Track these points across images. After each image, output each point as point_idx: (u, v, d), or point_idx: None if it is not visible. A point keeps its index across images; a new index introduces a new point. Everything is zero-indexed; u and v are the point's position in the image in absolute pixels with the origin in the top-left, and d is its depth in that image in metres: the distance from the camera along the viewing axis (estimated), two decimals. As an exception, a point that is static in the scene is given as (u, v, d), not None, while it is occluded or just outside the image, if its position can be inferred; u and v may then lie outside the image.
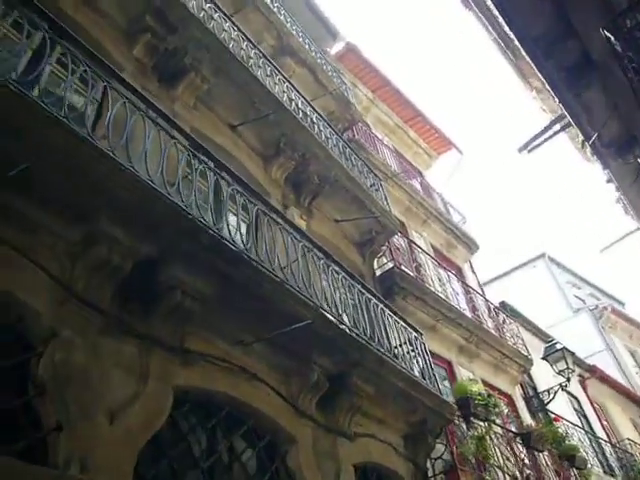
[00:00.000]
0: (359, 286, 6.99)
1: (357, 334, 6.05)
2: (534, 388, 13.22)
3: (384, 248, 9.82)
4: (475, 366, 10.95)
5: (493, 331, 12.22)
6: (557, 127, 7.78)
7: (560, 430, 9.73)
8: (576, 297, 25.82)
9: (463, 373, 10.44)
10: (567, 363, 11.95)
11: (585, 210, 63.73)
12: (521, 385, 12.59)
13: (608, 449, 14.79)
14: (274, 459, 5.09)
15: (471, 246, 14.94)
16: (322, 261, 6.54)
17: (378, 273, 9.57)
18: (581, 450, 11.96)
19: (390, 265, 9.63)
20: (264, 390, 5.15)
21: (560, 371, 12.06)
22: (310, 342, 5.45)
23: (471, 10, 6.76)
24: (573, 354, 12.77)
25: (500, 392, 11.48)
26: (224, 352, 4.93)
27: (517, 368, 12.11)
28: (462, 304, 11.81)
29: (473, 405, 7.66)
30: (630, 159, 6.96)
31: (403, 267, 10.66)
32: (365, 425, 6.42)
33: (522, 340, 12.78)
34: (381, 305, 7.26)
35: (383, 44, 54.26)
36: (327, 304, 5.97)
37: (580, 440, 12.61)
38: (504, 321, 13.04)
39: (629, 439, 16.08)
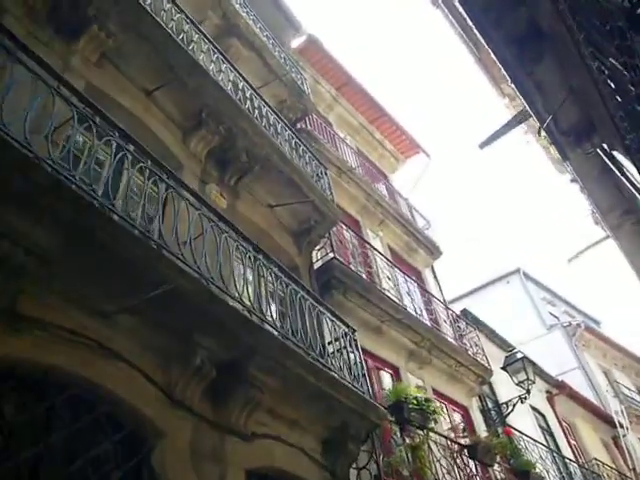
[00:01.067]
0: (275, 269, 6.19)
1: (259, 317, 5.24)
2: (496, 402, 12.40)
3: (325, 240, 9.02)
4: (426, 373, 10.13)
5: (451, 339, 11.43)
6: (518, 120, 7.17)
7: (512, 443, 8.88)
8: (551, 314, 25.15)
9: (412, 380, 9.62)
10: (527, 373, 11.16)
11: (557, 217, 63.28)
12: (479, 397, 11.77)
13: (573, 469, 13.95)
14: (135, 456, 4.22)
15: (433, 251, 14.20)
16: (237, 243, 5.75)
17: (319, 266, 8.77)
18: (539, 467, 11.13)
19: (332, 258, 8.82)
20: (128, 372, 4.30)
21: (520, 382, 11.26)
22: (192, 319, 4.63)
23: (438, 7, 6.13)
24: (534, 364, 12.00)
25: (454, 403, 10.67)
26: (78, 323, 4.09)
27: (474, 378, 11.30)
28: (421, 310, 11.00)
29: (407, 410, 6.82)
30: (588, 148, 6.29)
31: (352, 266, 9.90)
32: (271, 426, 5.58)
33: (482, 350, 11.98)
34: (302, 292, 6.45)
35: (349, 41, 53.43)
36: (239, 291, 5.22)
37: (542, 458, 11.78)
38: (464, 329, 12.25)
39: (596, 459, 15.27)
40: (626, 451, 17.98)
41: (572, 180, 12.36)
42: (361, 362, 6.95)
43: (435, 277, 14.17)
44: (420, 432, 7.31)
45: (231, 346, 4.94)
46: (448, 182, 60.74)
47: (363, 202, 12.27)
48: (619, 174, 6.09)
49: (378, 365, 9.03)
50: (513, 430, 11.66)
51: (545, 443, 13.84)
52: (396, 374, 9.36)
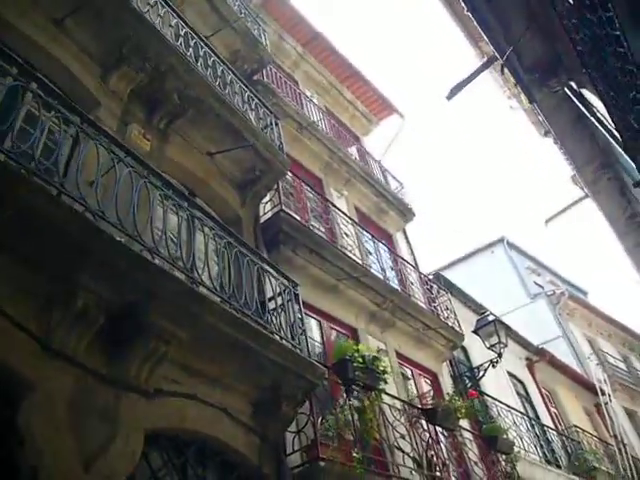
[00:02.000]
0: (197, 211, 5.53)
1: (162, 256, 4.60)
2: (470, 368, 11.87)
3: (275, 193, 8.34)
4: (389, 336, 9.55)
5: (420, 302, 10.84)
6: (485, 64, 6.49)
7: (475, 407, 8.32)
8: (535, 284, 24.67)
9: (372, 343, 9.02)
10: (499, 336, 10.60)
11: (539, 180, 62.75)
12: (450, 362, 11.22)
13: (552, 436, 13.51)
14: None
15: (405, 213, 13.56)
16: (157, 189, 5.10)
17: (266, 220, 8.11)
18: (512, 434, 10.63)
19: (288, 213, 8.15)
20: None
21: (491, 346, 10.71)
22: (74, 258, 3.98)
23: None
24: (507, 327, 11.46)
25: (421, 368, 10.11)
26: None
27: (444, 343, 10.73)
28: (384, 271, 10.37)
29: (351, 369, 6.22)
30: (555, 86, 5.62)
31: (311, 224, 9.26)
32: (185, 383, 4.95)
33: (454, 313, 11.40)
34: (235, 244, 5.81)
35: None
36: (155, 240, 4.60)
37: (515, 424, 11.28)
38: (436, 294, 11.66)
39: (576, 426, 14.83)
40: (608, 419, 17.56)
41: (546, 133, 11.68)
42: (301, 318, 6.34)
43: (407, 241, 13.55)
44: (371, 394, 6.70)
45: (125, 290, 4.29)
46: (424, 145, 59.83)
47: (326, 160, 11.58)
48: (589, 115, 5.45)
49: (334, 326, 8.43)
50: (487, 396, 11.17)
51: (523, 410, 13.38)
52: (354, 336, 8.76)
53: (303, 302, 7.85)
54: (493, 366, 10.72)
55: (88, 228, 4.02)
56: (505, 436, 9.42)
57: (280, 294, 6.47)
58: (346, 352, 6.37)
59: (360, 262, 9.14)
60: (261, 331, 5.31)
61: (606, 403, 17.61)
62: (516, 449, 10.67)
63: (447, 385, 10.52)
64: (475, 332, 10.90)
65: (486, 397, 11.47)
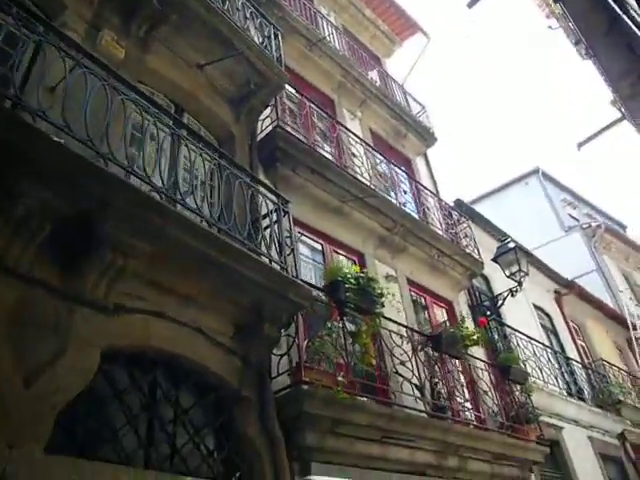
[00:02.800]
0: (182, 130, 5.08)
1: (120, 164, 4.20)
2: (490, 297, 11.40)
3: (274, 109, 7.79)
4: (400, 263, 9.10)
5: (438, 229, 10.30)
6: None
7: (485, 335, 7.87)
8: (571, 217, 23.69)
9: (380, 269, 8.62)
10: (519, 264, 10.04)
11: (574, 104, 59.67)
12: (468, 291, 10.76)
13: (577, 370, 13.08)
14: None
15: (426, 137, 12.83)
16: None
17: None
18: (529, 365, 10.25)
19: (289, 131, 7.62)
20: None
21: (511, 274, 10.17)
22: (14, 162, 3.61)
23: None
24: (528, 255, 10.85)
25: (436, 296, 9.69)
26: None
27: (462, 271, 10.24)
28: (395, 194, 9.80)
29: (342, 291, 5.82)
30: None
31: (319, 145, 8.73)
32: (153, 300, 4.63)
33: (474, 241, 10.84)
34: (215, 157, 5.36)
35: None
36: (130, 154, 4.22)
37: (535, 354, 10.87)
38: (457, 220, 11.08)
39: (602, 359, 14.33)
40: (639, 354, 17.00)
41: (577, 42, 10.67)
42: (291, 237, 5.93)
43: (428, 166, 12.88)
44: (371, 318, 6.33)
45: (76, 198, 3.92)
46: (451, 67, 57.17)
47: (339, 79, 10.88)
48: (625, 17, 4.71)
49: (337, 250, 8.02)
50: (506, 326, 10.74)
51: (547, 343, 12.94)
52: (360, 261, 8.34)
53: (303, 224, 7.52)
54: (512, 295, 10.22)
55: (25, 130, 3.62)
56: (520, 366, 9.01)
57: (269, 213, 6.05)
58: (338, 274, 5.96)
59: (368, 183, 8.58)
60: (235, 246, 4.92)
61: (638, 338, 17.02)
62: (536, 380, 10.34)
63: (464, 315, 10.09)
64: (494, 260, 10.35)
65: (506, 328, 11.05)
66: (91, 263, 4.13)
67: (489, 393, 8.18)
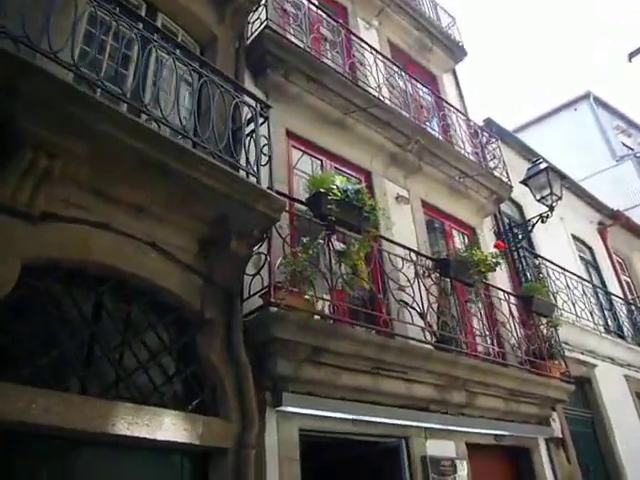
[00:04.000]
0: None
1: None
2: (519, 224, 10.44)
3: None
4: (414, 183, 8.26)
5: (461, 149, 9.34)
6: None
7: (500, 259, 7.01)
8: (624, 145, 21.93)
9: (390, 189, 7.83)
10: (551, 187, 9.02)
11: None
12: (495, 217, 9.86)
13: (617, 305, 12.10)
14: None
15: (454, 50, 11.63)
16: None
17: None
18: (560, 298, 9.40)
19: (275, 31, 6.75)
20: None
21: (542, 198, 9.19)
22: None
23: None
24: (563, 177, 9.77)
25: (456, 221, 8.85)
26: None
27: (487, 195, 9.32)
28: (408, 107, 8.77)
29: (324, 204, 5.08)
30: None
31: (327, 56, 7.84)
32: (97, 210, 4.05)
33: (503, 163, 9.84)
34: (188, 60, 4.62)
35: None
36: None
37: (569, 287, 9.98)
38: (485, 142, 10.06)
39: (648, 295, 13.27)
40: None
41: None
42: (269, 145, 5.20)
43: (457, 84, 11.74)
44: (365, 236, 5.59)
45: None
46: None
47: (354, -15, 9.80)
48: None
49: (340, 167, 7.24)
50: (535, 255, 9.85)
51: (586, 277, 11.97)
52: (367, 180, 7.56)
53: (299, 137, 6.79)
54: (543, 221, 9.26)
55: None
56: (548, 298, 8.18)
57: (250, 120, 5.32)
58: (322, 185, 5.21)
59: (376, 94, 7.67)
60: (188, 150, 4.24)
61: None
62: (568, 315, 9.51)
63: (488, 242, 9.25)
64: (524, 182, 9.36)
65: (538, 258, 10.16)
66: (9, 165, 3.53)
67: (507, 325, 7.42)
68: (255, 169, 4.96)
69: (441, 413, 6.20)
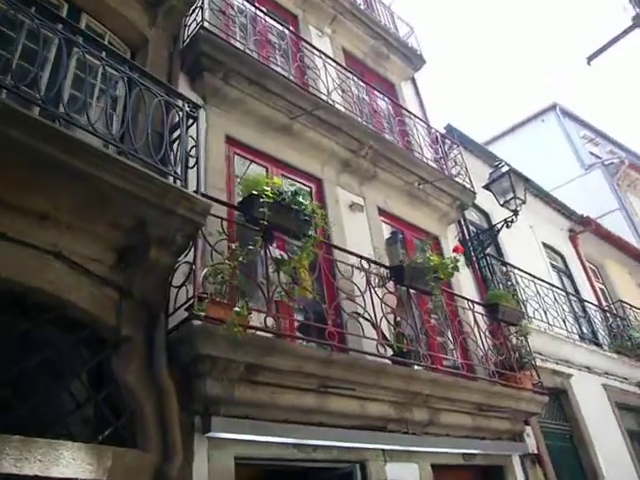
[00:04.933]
0: None
1: None
2: (486, 231, 10.09)
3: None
4: (370, 191, 7.87)
5: (431, 162, 9.03)
6: None
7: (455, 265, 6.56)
8: (592, 154, 21.91)
9: (344, 197, 7.43)
10: (514, 190, 8.70)
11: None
12: (459, 224, 9.50)
13: (591, 312, 11.76)
14: None
15: (412, 59, 11.39)
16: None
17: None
18: (527, 304, 9.03)
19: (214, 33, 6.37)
20: None
21: (505, 202, 8.85)
22: None
23: None
24: (527, 180, 9.48)
25: (418, 230, 8.45)
26: None
27: (449, 202, 8.96)
28: (361, 112, 8.40)
29: (257, 206, 4.64)
30: None
31: (278, 65, 7.49)
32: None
33: (465, 169, 9.51)
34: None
35: None
36: None
37: (539, 295, 9.61)
38: (446, 148, 9.74)
39: (622, 301, 12.97)
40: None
41: None
42: (197, 146, 4.77)
43: (417, 93, 11.47)
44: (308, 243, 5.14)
45: None
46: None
47: (305, -8, 9.52)
48: None
49: (287, 174, 6.82)
50: (501, 262, 9.49)
51: (559, 284, 11.66)
52: (318, 188, 7.16)
53: (241, 143, 6.39)
54: (507, 226, 8.92)
55: None
56: (515, 305, 7.78)
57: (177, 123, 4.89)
58: (255, 187, 4.77)
59: (324, 97, 7.31)
60: (93, 148, 3.78)
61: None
62: (539, 323, 9.14)
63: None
64: (486, 187, 9.03)
65: (507, 266, 9.81)
66: None
67: (473, 335, 7.00)
68: (180, 172, 4.50)
69: (402, 433, 5.71)
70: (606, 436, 9.48)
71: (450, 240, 8.98)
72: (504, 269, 9.67)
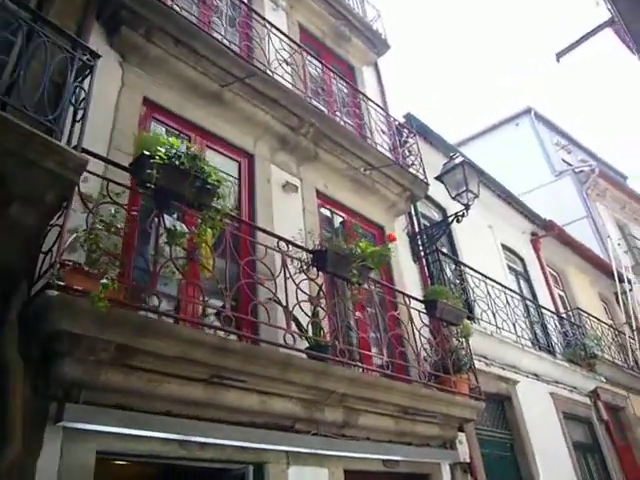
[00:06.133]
0: None
1: None
2: (434, 225, 9.59)
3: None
4: (309, 172, 7.33)
5: (385, 150, 8.53)
6: None
7: (388, 253, 6.02)
8: (564, 161, 21.66)
9: (278, 176, 6.87)
10: (467, 183, 8.22)
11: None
12: (410, 217, 9.01)
13: (549, 321, 11.38)
14: None
15: (376, 43, 10.87)
16: None
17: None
18: (482, 306, 8.60)
19: None
20: None
21: (457, 195, 8.37)
22: None
23: None
24: (482, 173, 9.02)
25: (360, 218, 7.92)
26: None
27: (399, 191, 8.45)
28: (305, 87, 7.79)
29: (147, 167, 4.05)
30: None
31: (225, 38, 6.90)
32: None
33: (420, 159, 9.01)
34: None
35: None
36: None
37: (490, 296, 9.16)
38: (400, 138, 9.24)
39: (579, 309, 12.62)
40: (631, 308, 15.29)
41: None
42: (87, 98, 4.17)
43: (380, 80, 10.95)
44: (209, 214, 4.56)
45: None
46: None
47: (258, -41, 8.92)
48: None
49: (213, 145, 6.26)
50: (450, 257, 9.03)
51: (516, 288, 11.27)
52: (249, 163, 6.60)
53: (162, 108, 5.81)
54: (458, 221, 8.43)
55: None
56: (457, 304, 7.29)
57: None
58: (149, 147, 4.18)
59: (263, 67, 6.74)
60: None
61: (630, 290, 15.30)
62: (486, 325, 8.70)
63: (399, 243, 8.37)
64: (438, 178, 8.54)
65: (459, 265, 9.35)
66: None
67: (407, 333, 6.49)
68: (54, 120, 3.89)
69: (311, 434, 5.17)
70: (550, 447, 9.06)
71: (398, 233, 8.48)
72: (455, 267, 9.21)
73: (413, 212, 9.05)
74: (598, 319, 12.78)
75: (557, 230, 13.58)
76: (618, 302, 15.53)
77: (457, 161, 8.34)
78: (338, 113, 8.67)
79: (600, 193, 19.62)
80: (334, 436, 5.38)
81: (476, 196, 8.33)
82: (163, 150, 4.15)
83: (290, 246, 5.47)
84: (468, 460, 7.03)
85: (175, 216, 4.68)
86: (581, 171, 19.63)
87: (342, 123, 8.14)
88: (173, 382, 4.15)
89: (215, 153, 6.25)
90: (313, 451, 5.13)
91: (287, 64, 7.35)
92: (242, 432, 4.53)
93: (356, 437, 5.62)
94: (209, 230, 4.54)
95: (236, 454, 4.56)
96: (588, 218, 18.43)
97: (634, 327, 14.24)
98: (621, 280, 15.09)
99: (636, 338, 14.04)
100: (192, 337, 4.16)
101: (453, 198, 8.36)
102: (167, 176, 4.14)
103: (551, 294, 12.80)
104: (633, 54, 7.60)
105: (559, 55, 10.35)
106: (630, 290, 15.64)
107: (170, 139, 4.31)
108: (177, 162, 4.18)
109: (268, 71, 6.80)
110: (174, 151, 4.21)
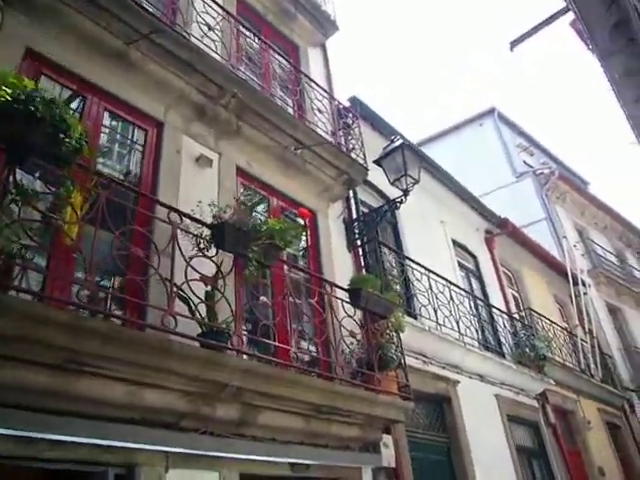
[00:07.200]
0: None
1: None
2: (375, 210, 8.99)
3: None
4: (229, 146, 6.68)
5: (327, 135, 7.94)
6: None
7: (299, 231, 5.40)
8: (525, 163, 21.44)
9: (191, 148, 6.22)
10: (405, 168, 7.66)
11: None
12: (347, 203, 8.43)
13: (496, 318, 10.93)
14: None
15: (324, 24, 10.29)
16: None
17: None
18: (423, 300, 8.07)
19: None
20: None
21: (395, 180, 7.82)
22: None
23: None
24: (423, 158, 8.49)
25: (288, 201, 7.31)
26: None
27: (334, 174, 7.86)
28: (228, 52, 7.10)
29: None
30: None
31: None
32: None
33: (361, 143, 8.46)
34: None
35: None
36: None
37: (431, 290, 8.62)
38: (336, 119, 8.65)
39: (530, 309, 12.22)
40: (584, 311, 14.98)
41: None
42: None
43: (327, 63, 10.37)
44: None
45: None
46: None
47: None
48: None
49: (116, 110, 5.58)
50: (387, 247, 8.48)
51: (466, 286, 10.80)
52: (158, 132, 5.94)
53: (53, 63, 5.17)
54: (396, 207, 7.89)
55: None
56: (389, 294, 6.72)
57: None
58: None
59: (179, 29, 6.08)
60: None
61: (585, 294, 15.01)
62: (424, 321, 8.17)
63: (334, 231, 7.80)
64: (377, 162, 7.97)
65: (399, 255, 8.81)
66: None
67: (328, 324, 5.89)
68: None
69: (200, 433, 4.52)
70: (490, 451, 8.56)
71: (332, 219, 7.90)
72: (397, 258, 8.68)
73: (352, 199, 8.46)
74: (550, 320, 12.40)
75: (511, 228, 13.18)
76: (572, 304, 15.23)
77: (397, 144, 7.78)
78: (274, 90, 8.09)
79: (560, 196, 19.38)
80: (229, 436, 4.73)
81: (416, 181, 7.78)
82: (9, 91, 3.45)
83: (189, 220, 4.82)
84: (394, 465, 6.44)
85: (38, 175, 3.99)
86: (541, 173, 19.38)
87: (279, 102, 7.50)
88: (10, 366, 3.46)
89: (119, 118, 5.58)
90: (202, 452, 4.49)
91: (209, 29, 6.70)
92: (102, 428, 3.85)
93: (258, 437, 4.99)
94: (77, 194, 3.86)
95: (96, 454, 3.88)
96: (547, 220, 18.17)
97: (587, 329, 13.90)
98: (576, 283, 14.75)
99: (588, 341, 13.72)
100: (33, 312, 3.47)
101: (391, 183, 7.80)
102: (12, 122, 3.45)
103: (504, 294, 12.38)
104: (588, 48, 7.17)
105: (513, 44, 9.87)
106: (585, 293, 15.37)
107: (26, 80, 3.61)
108: (30, 107, 3.49)
109: (183, 32, 6.15)
110: (26, 93, 3.52)
